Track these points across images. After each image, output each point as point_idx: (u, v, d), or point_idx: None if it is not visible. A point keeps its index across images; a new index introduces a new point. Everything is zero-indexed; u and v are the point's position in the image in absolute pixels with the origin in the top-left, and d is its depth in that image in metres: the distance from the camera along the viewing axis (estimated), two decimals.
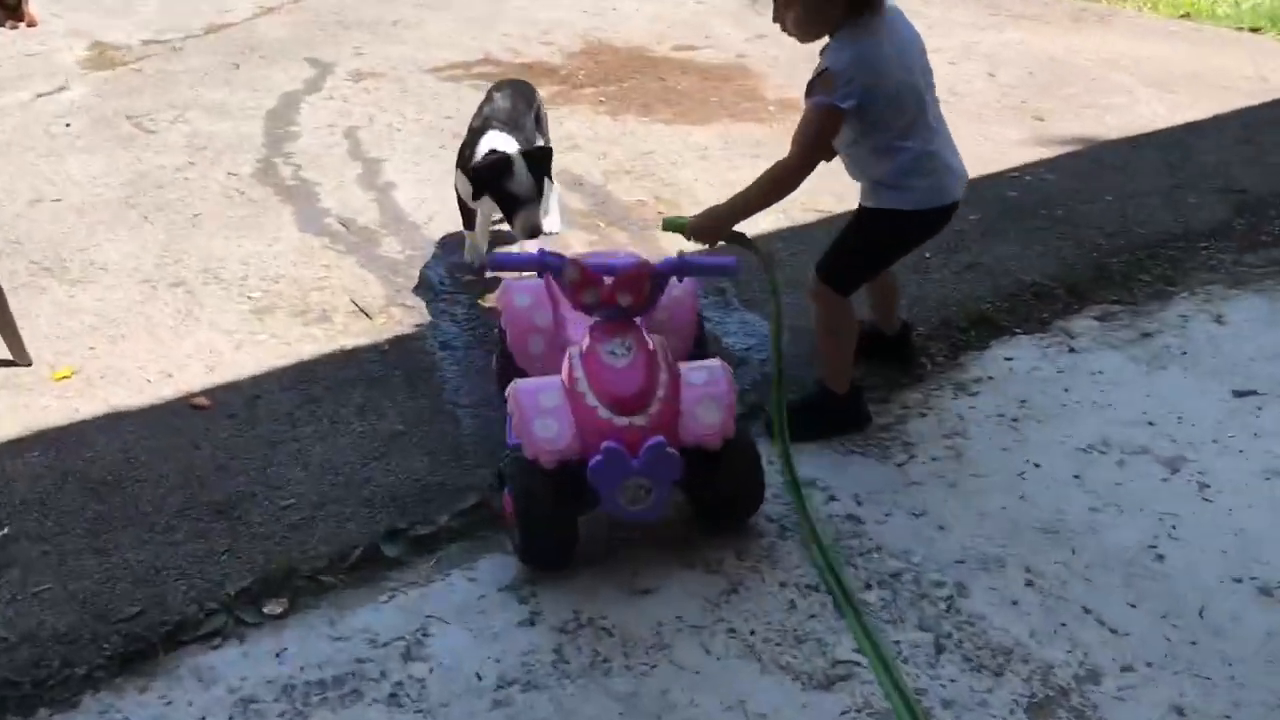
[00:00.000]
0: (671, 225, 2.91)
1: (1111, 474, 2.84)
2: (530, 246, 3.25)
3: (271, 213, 4.50)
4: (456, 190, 3.89)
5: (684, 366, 2.64)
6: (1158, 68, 6.24)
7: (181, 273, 4.03)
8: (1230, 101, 5.67)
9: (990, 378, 3.32)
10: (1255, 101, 5.68)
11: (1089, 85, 5.99)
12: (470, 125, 3.92)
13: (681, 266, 2.65)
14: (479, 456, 3.05)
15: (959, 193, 2.90)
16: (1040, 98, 5.79)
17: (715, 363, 2.69)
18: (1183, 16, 7.32)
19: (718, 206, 2.87)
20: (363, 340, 3.62)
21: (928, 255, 3.96)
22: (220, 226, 4.38)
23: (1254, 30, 7.03)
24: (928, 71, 2.85)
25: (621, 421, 2.48)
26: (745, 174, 4.98)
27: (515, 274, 3.05)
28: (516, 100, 3.98)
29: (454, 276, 4.00)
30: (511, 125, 3.81)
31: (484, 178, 3.59)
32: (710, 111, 5.65)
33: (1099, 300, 3.78)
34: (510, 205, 3.59)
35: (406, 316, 3.75)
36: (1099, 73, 6.20)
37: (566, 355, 2.66)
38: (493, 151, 3.62)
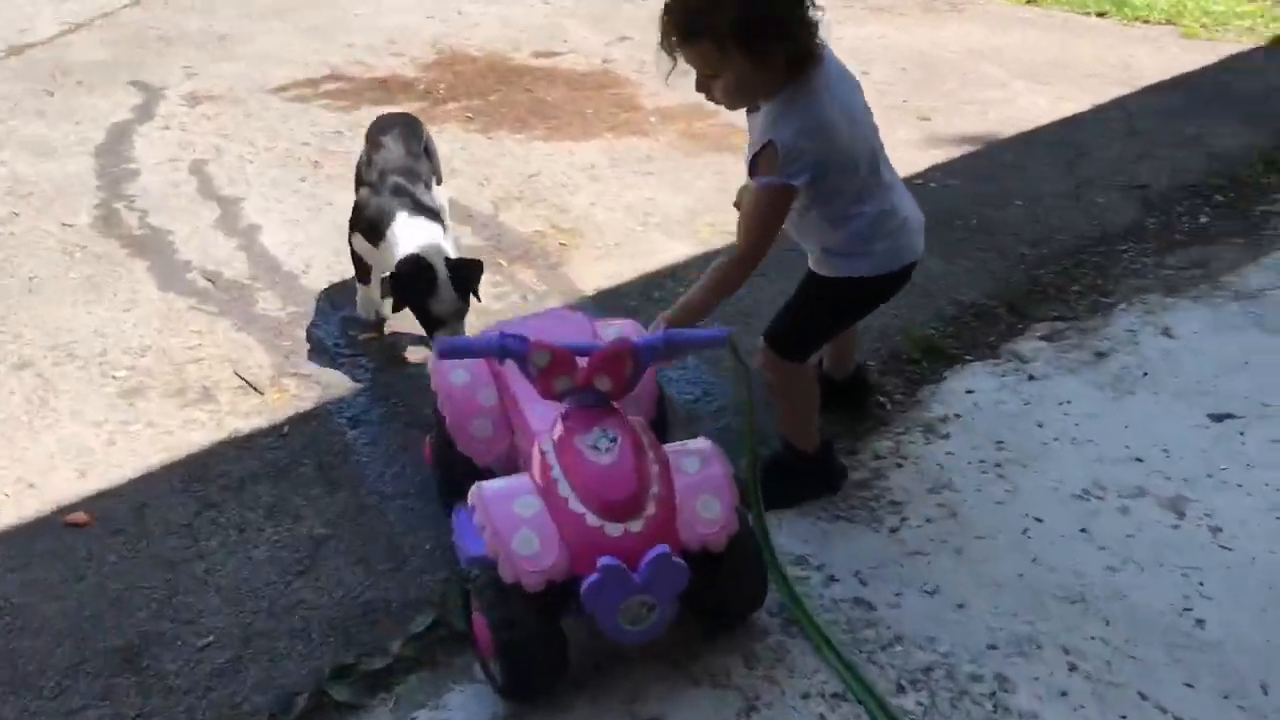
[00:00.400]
0: None
1: (1118, 524, 2.66)
2: None
3: (122, 270, 3.95)
4: (352, 246, 3.45)
5: (670, 451, 2.32)
6: (1023, 57, 6.21)
7: (25, 352, 3.47)
8: (1104, 91, 5.66)
9: (957, 415, 3.12)
10: (1128, 90, 5.69)
11: (963, 79, 5.91)
12: (363, 179, 3.48)
13: (669, 345, 2.31)
14: (421, 559, 2.66)
15: (920, 247, 2.63)
16: (919, 95, 5.67)
17: (704, 444, 2.37)
18: (1029, 2, 7.35)
19: (672, 310, 2.53)
20: (257, 421, 3.16)
21: None
22: (63, 290, 3.82)
23: (1100, 15, 7.10)
24: (869, 114, 2.56)
25: (615, 530, 2.15)
26: (641, 194, 4.77)
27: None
28: (409, 142, 3.56)
29: (349, 335, 3.57)
30: (411, 177, 3.40)
31: (403, 291, 3.15)
32: (588, 125, 5.31)
33: (1041, 318, 3.63)
34: (429, 324, 3.18)
35: (303, 389, 3.31)
36: (968, 65, 6.14)
37: (536, 449, 2.30)
38: (412, 259, 3.12)
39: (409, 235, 3.18)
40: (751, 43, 2.29)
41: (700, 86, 2.42)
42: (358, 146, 3.77)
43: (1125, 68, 6.04)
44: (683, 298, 2.55)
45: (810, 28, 2.36)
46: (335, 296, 3.77)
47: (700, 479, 2.27)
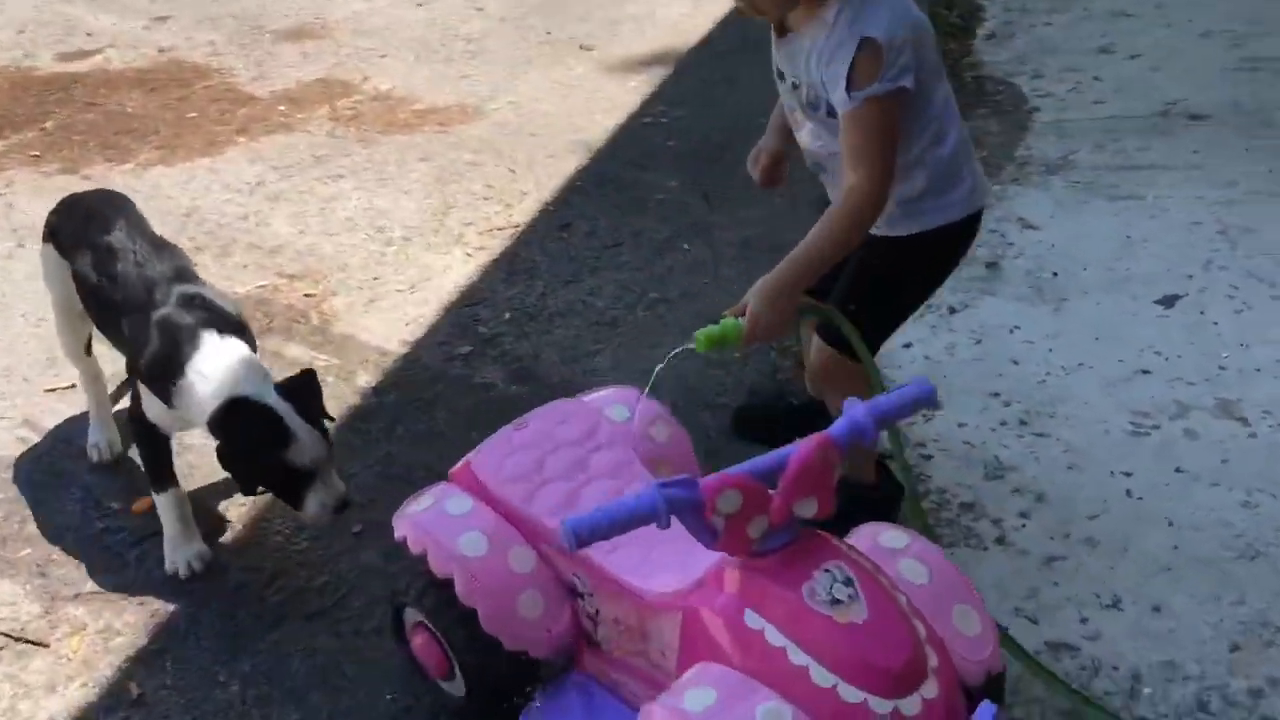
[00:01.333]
0: (713, 341, 1.82)
1: (1205, 451, 2.38)
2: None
3: None
4: (143, 419, 2.24)
5: (873, 553, 1.66)
6: None
7: None
8: None
9: (938, 376, 2.68)
10: None
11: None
12: (106, 297, 2.26)
13: (878, 423, 1.62)
14: None
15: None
16: (560, 24, 5.08)
17: (903, 536, 1.74)
18: None
19: (770, 279, 1.85)
20: (70, 695, 2.04)
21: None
22: None
23: None
24: None
25: (883, 708, 1.48)
26: (351, 205, 3.67)
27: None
28: (143, 228, 2.41)
29: (103, 505, 2.45)
30: (189, 276, 2.30)
31: (247, 456, 2.08)
32: (207, 133, 4.16)
33: None
34: (295, 484, 2.10)
35: (101, 617, 2.19)
36: None
37: (720, 625, 1.55)
38: (234, 402, 2.05)
39: (211, 366, 2.09)
40: None
41: None
42: None
43: None
44: (799, 251, 1.85)
45: None
46: (40, 470, 2.57)
47: (938, 588, 1.66)
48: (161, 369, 2.11)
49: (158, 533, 2.30)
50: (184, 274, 2.28)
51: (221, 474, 2.43)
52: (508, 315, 3.04)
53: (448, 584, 1.78)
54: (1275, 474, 2.31)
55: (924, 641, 1.54)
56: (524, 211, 3.55)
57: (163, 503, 2.25)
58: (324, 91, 4.45)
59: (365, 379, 2.81)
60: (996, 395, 2.61)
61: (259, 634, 2.14)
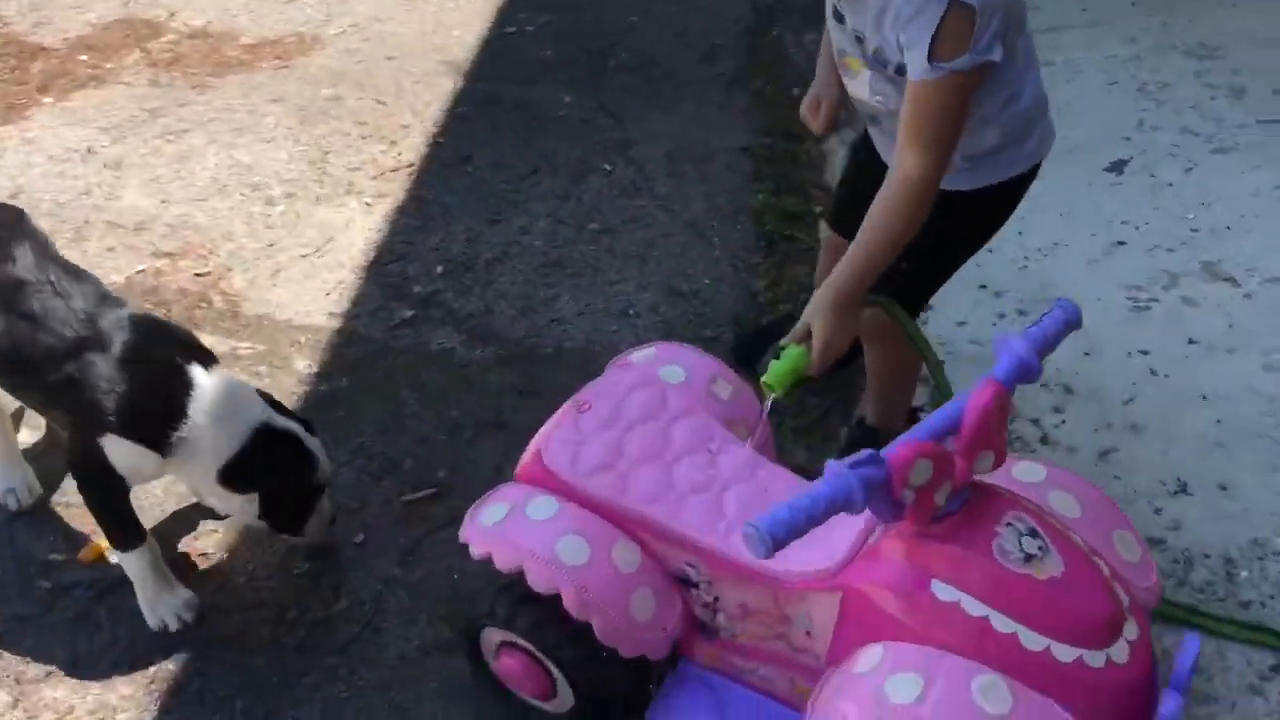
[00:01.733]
0: (791, 379, 1.60)
1: (1209, 317, 2.38)
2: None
3: None
4: (102, 468, 1.82)
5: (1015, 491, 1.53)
6: None
7: None
8: None
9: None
10: None
11: None
12: (19, 344, 1.84)
13: (1041, 355, 1.47)
14: None
15: None
16: None
17: (1043, 465, 1.63)
18: None
19: (831, 296, 1.64)
20: None
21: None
22: None
23: None
24: None
25: (1097, 660, 1.38)
26: (211, 162, 3.21)
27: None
28: (47, 247, 1.98)
29: (42, 561, 2.08)
30: (113, 300, 1.89)
31: (288, 490, 1.85)
32: (1, 94, 3.59)
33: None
34: (299, 513, 1.89)
35: (89, 694, 1.86)
36: None
37: (902, 601, 1.41)
38: (265, 430, 1.81)
39: (222, 409, 1.80)
40: None
41: None
42: None
43: None
44: (855, 257, 1.65)
45: None
46: None
47: (1092, 516, 1.56)
48: (150, 417, 1.76)
49: (124, 579, 1.96)
50: (108, 294, 1.90)
51: (176, 506, 2.12)
52: (439, 269, 2.74)
53: (546, 598, 1.57)
54: None
55: (1113, 580, 1.44)
56: (412, 148, 3.21)
57: (132, 561, 1.90)
58: (128, 34, 3.90)
59: (304, 364, 2.48)
60: (984, 287, 2.54)
61: (288, 681, 1.86)
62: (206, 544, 2.10)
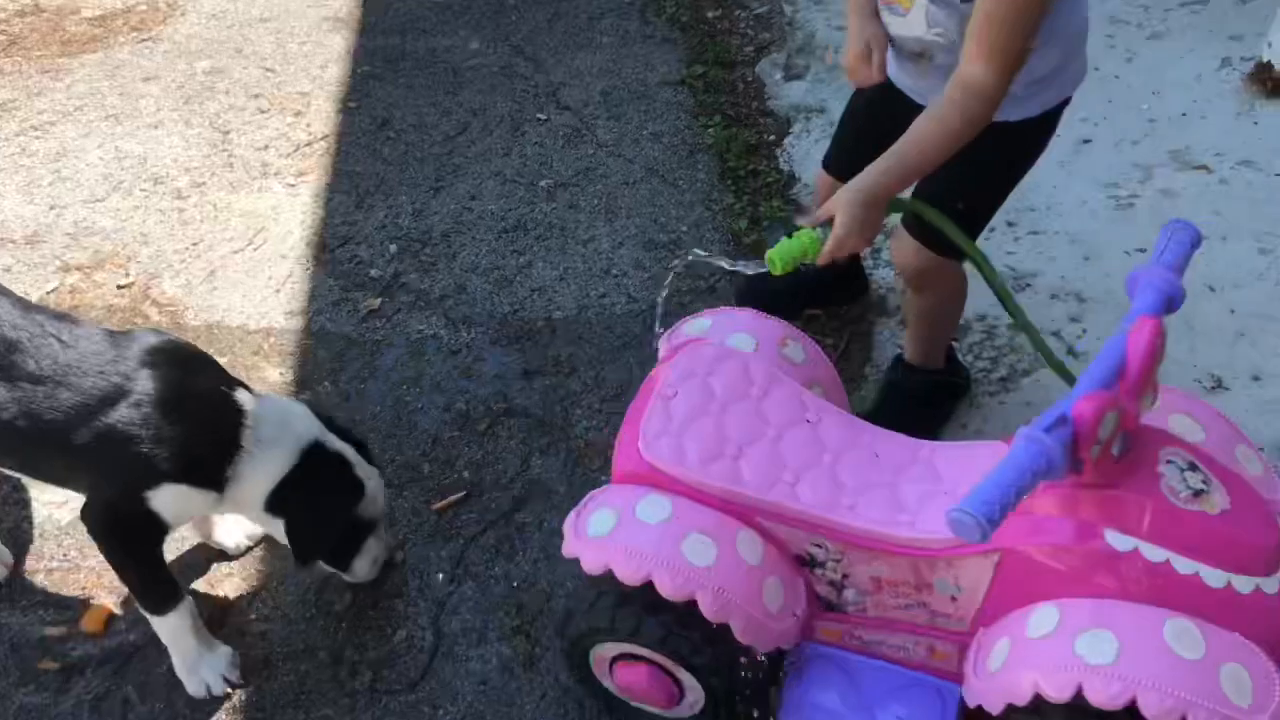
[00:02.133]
0: (793, 259, 1.50)
1: (1193, 207, 2.40)
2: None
3: None
4: (137, 523, 1.59)
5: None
6: None
7: None
8: None
9: None
10: None
11: None
12: (70, 403, 1.52)
13: (1178, 276, 1.40)
14: None
15: None
16: None
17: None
18: None
19: (863, 188, 1.54)
20: None
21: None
22: None
23: None
24: None
25: (1275, 586, 1.37)
26: (94, 157, 2.87)
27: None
28: (11, 297, 1.68)
29: (38, 643, 1.85)
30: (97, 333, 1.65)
31: (325, 518, 1.68)
32: None
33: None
34: (349, 548, 1.75)
35: None
36: None
37: (1074, 555, 1.36)
38: (316, 452, 1.64)
39: (275, 431, 1.62)
40: None
41: None
42: None
43: None
44: (897, 154, 1.56)
45: None
46: None
47: (1217, 436, 1.54)
48: (208, 456, 1.56)
49: (143, 643, 1.76)
50: (108, 330, 1.67)
51: (175, 552, 1.91)
52: (393, 248, 2.54)
53: (674, 605, 1.47)
54: (1266, 213, 2.36)
55: (1270, 503, 1.43)
56: (321, 117, 2.96)
57: (170, 624, 1.70)
58: None
59: (277, 372, 2.26)
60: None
61: None
62: (225, 589, 1.90)
